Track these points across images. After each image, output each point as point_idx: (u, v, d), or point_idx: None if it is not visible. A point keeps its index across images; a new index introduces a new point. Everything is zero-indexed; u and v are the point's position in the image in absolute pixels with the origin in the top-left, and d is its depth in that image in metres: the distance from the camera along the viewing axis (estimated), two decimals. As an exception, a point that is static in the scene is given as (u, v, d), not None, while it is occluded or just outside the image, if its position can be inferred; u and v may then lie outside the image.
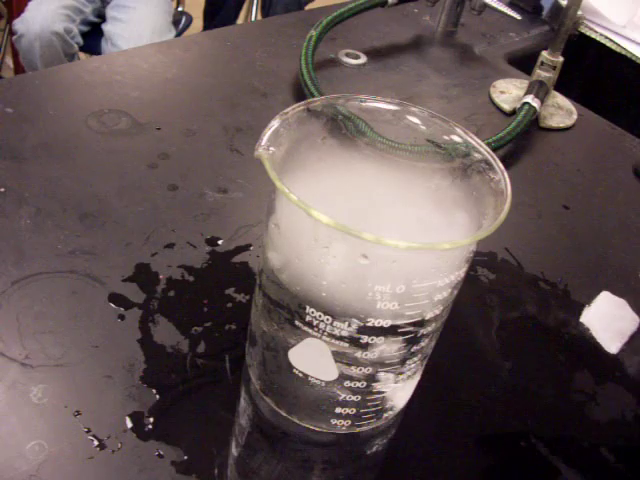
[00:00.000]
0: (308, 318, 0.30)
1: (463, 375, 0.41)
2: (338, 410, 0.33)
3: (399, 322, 0.29)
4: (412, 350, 0.32)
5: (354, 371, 0.31)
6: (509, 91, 0.68)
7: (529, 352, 0.43)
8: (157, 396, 0.36)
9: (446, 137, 0.33)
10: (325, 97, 0.33)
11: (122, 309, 0.40)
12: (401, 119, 0.34)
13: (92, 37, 1.60)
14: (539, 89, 0.64)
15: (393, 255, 0.27)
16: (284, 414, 0.35)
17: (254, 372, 0.36)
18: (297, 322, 0.30)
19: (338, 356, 0.31)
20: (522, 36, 0.81)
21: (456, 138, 0.33)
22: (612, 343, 0.44)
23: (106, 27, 1.55)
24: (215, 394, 0.37)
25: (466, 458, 0.37)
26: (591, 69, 0.88)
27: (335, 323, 0.29)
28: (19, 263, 0.41)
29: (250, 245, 0.46)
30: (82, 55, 1.64)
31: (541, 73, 0.66)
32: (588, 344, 0.44)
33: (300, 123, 0.32)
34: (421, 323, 0.30)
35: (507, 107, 0.66)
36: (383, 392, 0.33)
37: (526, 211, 0.54)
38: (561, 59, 0.65)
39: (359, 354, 0.30)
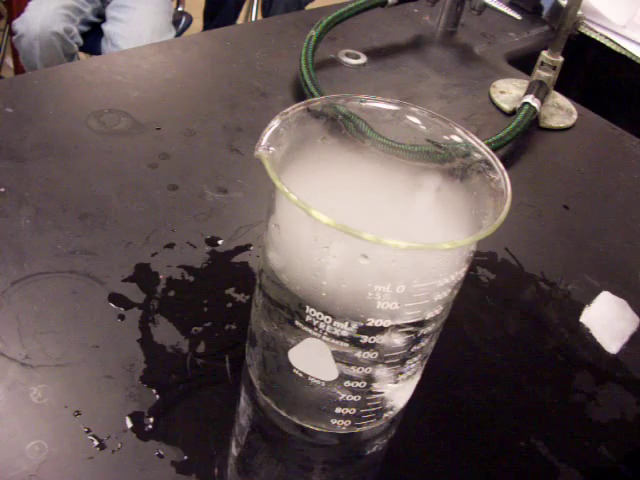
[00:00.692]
0: (308, 318, 0.30)
1: (463, 375, 0.41)
2: (338, 410, 0.33)
3: (399, 322, 0.29)
4: (412, 350, 0.32)
5: (354, 371, 0.31)
6: (509, 91, 0.68)
7: (529, 352, 0.43)
8: (157, 396, 0.36)
9: (446, 137, 0.33)
10: (325, 97, 0.33)
11: (122, 309, 0.40)
12: (401, 119, 0.34)
13: (92, 37, 1.60)
14: (539, 89, 0.64)
15: (393, 255, 0.27)
16: (284, 414, 0.35)
17: (254, 372, 0.36)
18: (297, 322, 0.30)
19: (338, 356, 0.31)
20: (522, 36, 0.81)
21: (456, 138, 0.33)
22: (612, 343, 0.44)
23: (106, 27, 1.55)
24: (215, 394, 0.37)
25: (466, 458, 0.37)
26: (591, 69, 0.88)
27: (335, 323, 0.29)
28: (19, 263, 0.41)
29: (250, 245, 0.46)
30: (82, 55, 1.64)
31: (541, 73, 0.66)
32: (588, 344, 0.44)
33: (300, 123, 0.32)
34: (421, 323, 0.30)
35: (507, 107, 0.66)
36: (383, 392, 0.33)
37: (526, 211, 0.54)
38: (561, 59, 0.65)
39: (359, 354, 0.30)
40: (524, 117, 0.61)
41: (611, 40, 0.83)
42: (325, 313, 0.29)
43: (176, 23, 1.69)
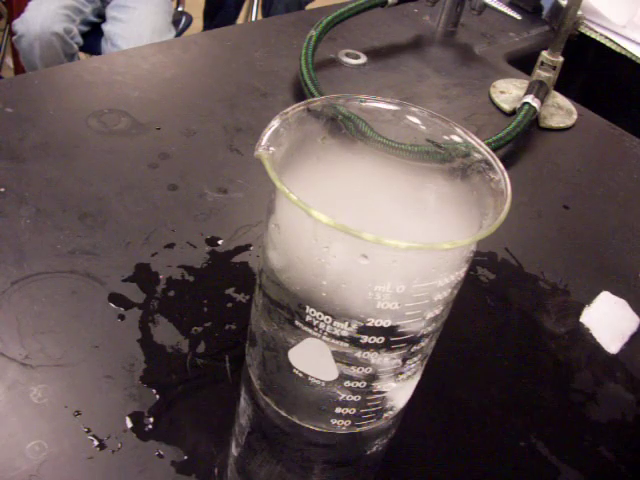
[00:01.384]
0: (308, 318, 0.30)
1: (463, 375, 0.41)
2: (338, 410, 0.33)
3: (399, 322, 0.29)
4: (412, 350, 0.32)
5: (354, 371, 0.31)
6: (509, 91, 0.68)
7: (529, 352, 0.43)
8: (157, 396, 0.36)
9: (446, 137, 0.33)
10: (325, 97, 0.33)
11: (122, 309, 0.40)
12: (401, 119, 0.34)
13: (92, 37, 1.60)
14: (539, 89, 0.64)
15: (393, 255, 0.27)
16: (284, 414, 0.35)
17: (254, 372, 0.36)
18: (297, 322, 0.30)
19: (338, 356, 0.31)
20: (522, 36, 0.81)
21: (456, 138, 0.33)
22: (612, 343, 0.44)
23: (106, 27, 1.55)
24: (215, 394, 0.37)
25: (466, 458, 0.37)
26: (591, 69, 0.88)
27: (335, 323, 0.29)
28: (19, 263, 0.41)
29: (250, 245, 0.46)
30: (82, 55, 1.64)
31: (541, 73, 0.66)
32: (588, 344, 0.44)
33: (300, 123, 0.32)
34: (421, 323, 0.30)
35: (507, 107, 0.66)
36: (383, 392, 0.33)
37: (526, 211, 0.54)
38: (561, 59, 0.65)
39: (359, 354, 0.30)
40: (524, 117, 0.61)
41: (611, 40, 0.83)
42: (325, 313, 0.29)
43: (176, 23, 1.69)
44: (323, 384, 0.32)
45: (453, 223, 0.33)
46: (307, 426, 0.35)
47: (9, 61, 1.89)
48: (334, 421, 0.34)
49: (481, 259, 0.49)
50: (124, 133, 0.53)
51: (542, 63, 0.66)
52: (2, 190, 0.46)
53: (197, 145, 0.54)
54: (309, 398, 0.33)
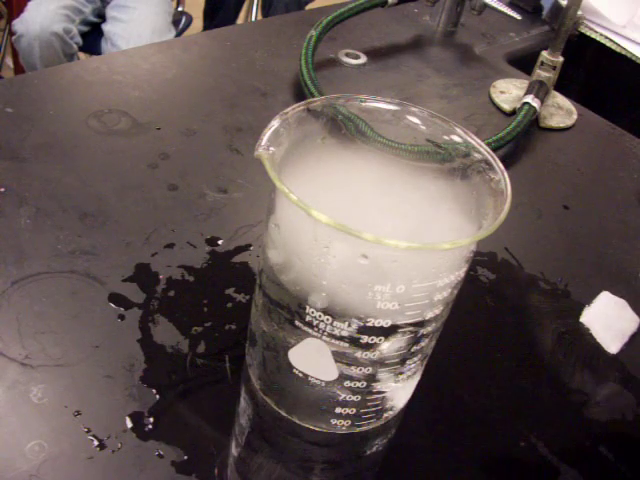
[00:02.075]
0: (308, 318, 0.30)
1: (463, 375, 0.41)
2: (338, 410, 0.33)
3: (399, 322, 0.29)
4: (412, 350, 0.32)
5: (354, 371, 0.31)
6: (509, 91, 0.68)
7: (529, 352, 0.43)
8: (157, 396, 0.36)
9: (446, 137, 0.33)
10: (325, 97, 0.33)
11: (122, 309, 0.40)
12: (401, 119, 0.34)
13: (92, 37, 1.60)
14: (539, 89, 0.64)
15: (393, 255, 0.27)
16: (284, 414, 0.35)
17: (254, 372, 0.36)
18: (297, 322, 0.30)
19: (338, 356, 0.31)
20: (522, 36, 0.81)
21: (456, 138, 0.33)
22: (612, 343, 0.44)
23: (106, 27, 1.55)
24: (215, 394, 0.37)
25: (466, 458, 0.37)
26: (591, 69, 0.88)
27: (335, 323, 0.29)
28: (19, 263, 0.41)
29: (250, 245, 0.46)
30: (82, 55, 1.64)
31: (541, 73, 0.66)
32: (588, 344, 0.44)
33: (300, 123, 0.32)
34: (421, 323, 0.30)
35: (507, 107, 0.66)
36: (383, 392, 0.33)
37: (526, 211, 0.54)
38: (561, 59, 0.65)
39: (359, 354, 0.30)
40: (524, 117, 0.61)
41: (611, 40, 0.83)
42: (325, 313, 0.29)
43: (176, 23, 1.69)
44: (323, 384, 0.32)
45: (453, 223, 0.33)
46: (307, 426, 0.35)
47: (9, 61, 1.89)
48: (334, 421, 0.34)
49: (481, 259, 0.49)
50: (124, 133, 0.53)
51: (542, 63, 0.66)
52: (2, 190, 0.46)
53: (197, 145, 0.54)
54: (309, 398, 0.33)
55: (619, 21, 0.83)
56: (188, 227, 0.46)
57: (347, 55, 0.69)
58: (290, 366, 0.32)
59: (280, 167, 0.30)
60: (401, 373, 0.33)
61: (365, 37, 0.73)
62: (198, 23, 1.97)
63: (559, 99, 0.69)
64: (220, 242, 0.45)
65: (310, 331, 0.30)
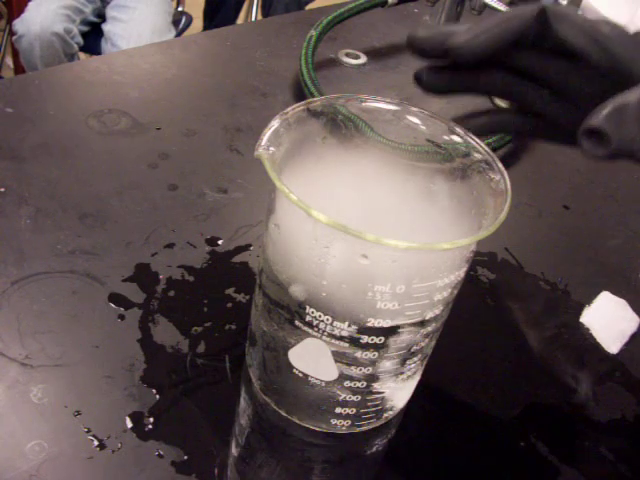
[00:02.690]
0: (308, 318, 0.30)
1: (463, 375, 0.41)
2: (338, 410, 0.33)
3: (399, 322, 0.29)
4: (412, 350, 0.32)
5: (354, 371, 0.31)
6: (509, 91, 0.68)
7: (529, 352, 0.43)
8: (157, 396, 0.36)
9: (446, 137, 0.33)
10: (325, 97, 0.33)
11: (122, 309, 0.40)
12: (401, 119, 0.34)
13: (92, 37, 1.60)
14: (539, 89, 0.64)
15: (393, 255, 0.27)
16: (284, 414, 0.35)
17: (254, 372, 0.36)
18: (297, 322, 0.30)
19: (338, 356, 0.31)
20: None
21: (456, 138, 0.33)
22: (612, 343, 0.44)
23: (106, 27, 1.55)
24: (215, 394, 0.37)
25: (466, 458, 0.37)
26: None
27: (335, 323, 0.29)
28: (19, 263, 0.41)
29: (250, 245, 0.46)
30: (82, 55, 1.64)
31: (541, 73, 0.66)
32: (588, 344, 0.44)
33: (300, 123, 0.32)
34: (421, 323, 0.30)
35: (506, 107, 0.66)
36: (383, 392, 0.33)
37: (526, 211, 0.54)
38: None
39: (359, 354, 0.30)
40: (524, 117, 0.60)
41: (611, 40, 0.83)
42: (325, 313, 0.29)
43: (176, 23, 1.69)
44: (323, 384, 0.32)
45: (453, 223, 0.33)
46: (307, 426, 0.35)
47: (9, 61, 1.89)
48: (334, 421, 0.34)
49: (481, 259, 0.49)
50: (124, 133, 0.53)
51: (542, 63, 0.66)
52: (2, 190, 0.46)
53: (197, 145, 0.54)
54: (309, 398, 0.33)
55: (619, 21, 0.82)
56: (188, 227, 0.46)
57: (347, 55, 0.69)
58: (290, 366, 0.32)
59: (280, 167, 0.30)
60: (401, 373, 0.33)
61: (365, 37, 0.73)
62: (198, 23, 1.97)
63: (559, 99, 0.69)
64: (220, 242, 0.45)
65: (310, 331, 0.30)
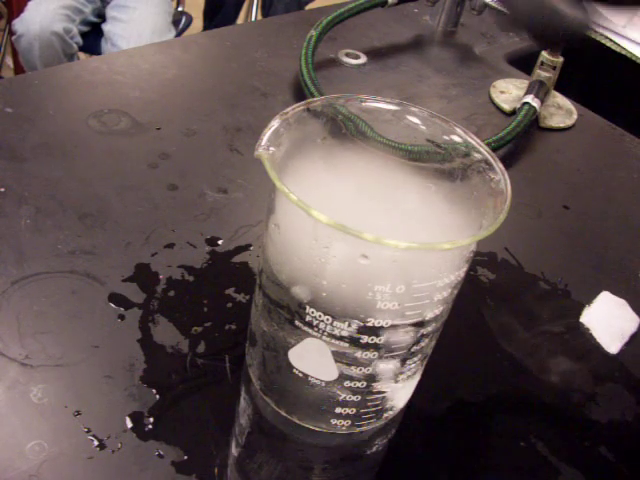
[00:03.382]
0: (308, 318, 0.30)
1: (463, 375, 0.41)
2: (338, 410, 0.33)
3: (399, 322, 0.29)
4: (412, 350, 0.32)
5: (354, 371, 0.31)
6: (509, 91, 0.68)
7: (529, 352, 0.43)
8: (157, 396, 0.36)
9: (446, 137, 0.33)
10: (325, 97, 0.33)
11: (122, 309, 0.40)
12: (401, 119, 0.34)
13: (92, 37, 1.60)
14: (539, 89, 0.64)
15: (393, 255, 0.27)
16: (284, 414, 0.35)
17: (254, 372, 0.36)
18: (297, 322, 0.30)
19: (338, 356, 0.31)
20: (522, 36, 0.81)
21: (456, 138, 0.33)
22: (612, 343, 0.44)
23: (106, 27, 1.55)
24: (215, 394, 0.37)
25: (466, 458, 0.37)
26: (591, 69, 0.88)
27: (335, 323, 0.29)
28: (19, 263, 0.41)
29: (250, 245, 0.46)
30: (82, 55, 1.64)
31: (541, 73, 0.66)
32: (588, 344, 0.44)
33: (300, 123, 0.32)
34: (421, 323, 0.30)
35: (507, 107, 0.66)
36: (383, 392, 0.33)
37: (526, 211, 0.54)
38: (561, 59, 0.65)
39: (359, 354, 0.30)
40: (524, 117, 0.61)
41: (611, 40, 0.83)
42: (325, 313, 0.29)
43: (176, 23, 1.69)
44: (323, 384, 0.32)
45: (453, 223, 0.33)
46: (307, 426, 0.35)
47: (9, 61, 1.89)
48: (334, 421, 0.34)
49: (481, 259, 0.49)
50: (124, 133, 0.53)
51: (542, 63, 0.66)
52: (2, 190, 0.46)
53: (197, 145, 0.54)
54: (309, 398, 0.33)
55: (619, 21, 0.82)
56: (188, 227, 0.46)
57: (347, 55, 0.69)
58: (290, 366, 0.32)
59: (280, 167, 0.30)
60: (401, 373, 0.33)
61: (365, 37, 0.73)
62: (198, 23, 1.97)
63: (559, 99, 0.69)
64: (220, 242, 0.45)
65: (310, 331, 0.30)
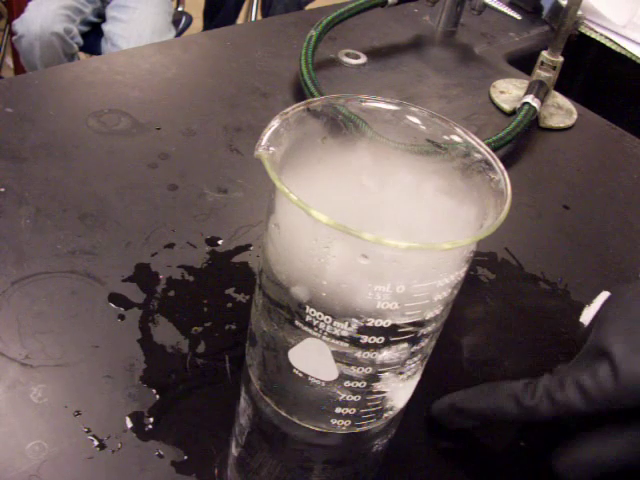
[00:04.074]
0: (308, 318, 0.30)
1: (463, 375, 0.41)
2: (338, 410, 0.33)
3: (399, 322, 0.29)
4: (412, 350, 0.32)
5: (354, 371, 0.31)
6: (509, 91, 0.68)
7: (529, 352, 0.43)
8: (157, 396, 0.36)
9: (446, 137, 0.33)
10: (325, 97, 0.33)
11: (122, 309, 0.40)
12: (401, 119, 0.34)
13: (92, 37, 1.60)
14: (539, 89, 0.64)
15: (393, 255, 0.27)
16: (284, 414, 0.35)
17: (254, 372, 0.36)
18: (297, 322, 0.30)
19: (338, 356, 0.31)
20: (522, 36, 0.81)
21: (456, 138, 0.33)
22: (612, 343, 0.44)
23: (106, 27, 1.55)
24: (215, 394, 0.37)
25: (466, 458, 0.37)
26: (591, 69, 0.88)
27: (335, 323, 0.29)
28: (19, 263, 0.41)
29: (250, 245, 0.46)
30: (82, 55, 1.64)
31: (541, 73, 0.66)
32: (588, 344, 0.44)
33: (300, 123, 0.32)
34: (421, 323, 0.30)
35: (507, 107, 0.66)
36: (383, 392, 0.33)
37: (526, 211, 0.54)
38: (561, 59, 0.65)
39: (359, 354, 0.30)
40: (524, 117, 0.61)
41: (611, 40, 0.83)
42: (325, 313, 0.29)
43: (176, 23, 1.69)
44: (323, 384, 0.32)
45: (453, 223, 0.33)
46: (307, 426, 0.35)
47: (9, 61, 1.89)
48: (334, 421, 0.34)
49: (481, 259, 0.49)
50: (124, 133, 0.53)
51: (542, 63, 0.66)
52: (2, 190, 0.46)
53: (197, 145, 0.54)
54: (309, 398, 0.33)
55: (619, 21, 0.83)
56: (188, 227, 0.46)
57: (347, 55, 0.69)
58: (290, 366, 0.32)
59: (280, 167, 0.30)
60: (401, 373, 0.33)
61: (365, 37, 0.73)
62: (198, 23, 1.97)
63: (559, 99, 0.69)
64: (220, 242, 0.45)
65: (310, 331, 0.30)
